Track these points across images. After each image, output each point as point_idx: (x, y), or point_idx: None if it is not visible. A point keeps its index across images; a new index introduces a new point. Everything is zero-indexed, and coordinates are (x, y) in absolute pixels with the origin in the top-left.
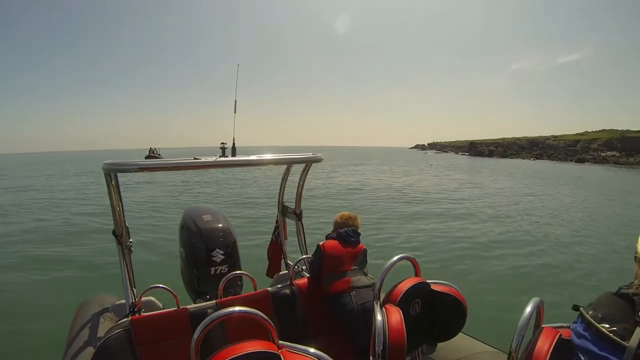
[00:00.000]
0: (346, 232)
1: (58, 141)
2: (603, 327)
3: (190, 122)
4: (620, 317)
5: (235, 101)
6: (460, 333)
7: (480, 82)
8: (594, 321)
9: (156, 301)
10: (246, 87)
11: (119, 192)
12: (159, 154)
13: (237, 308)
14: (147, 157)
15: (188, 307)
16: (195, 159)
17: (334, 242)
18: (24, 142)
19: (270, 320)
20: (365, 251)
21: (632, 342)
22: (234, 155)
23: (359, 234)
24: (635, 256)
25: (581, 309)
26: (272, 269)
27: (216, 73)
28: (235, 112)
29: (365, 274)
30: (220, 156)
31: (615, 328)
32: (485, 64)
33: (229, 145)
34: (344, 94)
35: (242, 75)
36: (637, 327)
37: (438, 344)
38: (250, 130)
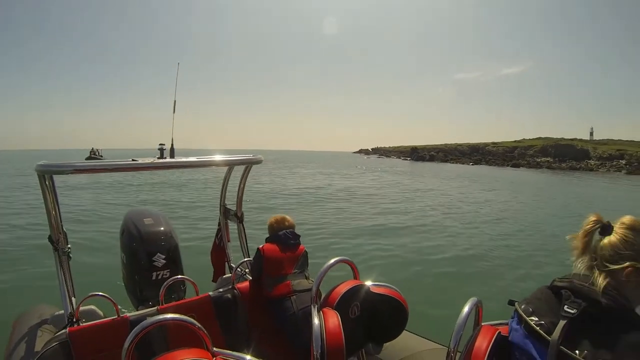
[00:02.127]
0: (285, 235)
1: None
2: (532, 320)
3: (136, 122)
4: (548, 311)
5: (175, 101)
6: (406, 332)
7: (426, 90)
8: (524, 315)
9: (97, 310)
10: (190, 87)
11: (55, 195)
12: (101, 155)
13: (168, 315)
14: (88, 159)
15: (129, 315)
16: (133, 160)
17: (273, 246)
18: None
19: (203, 328)
20: (306, 253)
21: (554, 336)
22: (172, 156)
23: (299, 236)
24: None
25: (516, 303)
26: (217, 273)
27: (164, 71)
28: (174, 112)
29: (307, 277)
30: (158, 158)
31: (543, 322)
32: (431, 72)
33: (168, 146)
34: (288, 97)
35: (185, 75)
36: (561, 321)
37: (384, 343)
38: (193, 132)
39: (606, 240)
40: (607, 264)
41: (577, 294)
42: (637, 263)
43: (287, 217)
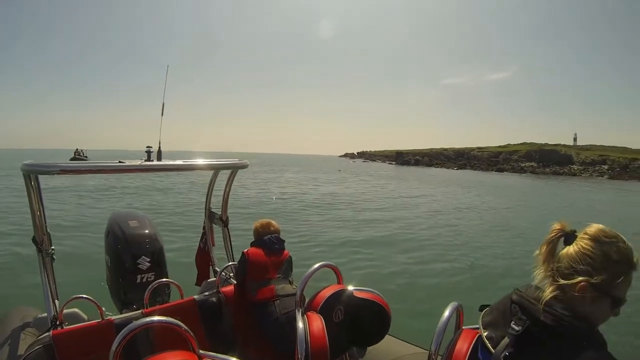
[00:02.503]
0: (270, 239)
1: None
2: (485, 332)
3: (125, 124)
4: (502, 324)
5: (163, 104)
6: (389, 336)
7: (415, 94)
8: (481, 327)
9: (80, 313)
10: (180, 88)
11: (40, 195)
12: (86, 156)
13: (155, 318)
14: (72, 159)
15: (113, 317)
16: (120, 162)
17: (258, 250)
18: None
19: (189, 330)
20: (290, 259)
21: (497, 350)
22: (159, 159)
23: (284, 241)
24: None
25: (483, 311)
26: (201, 277)
27: (150, 73)
28: (162, 114)
29: (291, 282)
30: (145, 160)
31: (493, 335)
32: (419, 78)
33: (155, 148)
34: (277, 100)
35: (177, 76)
36: (505, 337)
37: (368, 347)
38: (180, 133)
39: (564, 251)
40: (559, 279)
41: (524, 310)
42: (592, 278)
43: (273, 222)
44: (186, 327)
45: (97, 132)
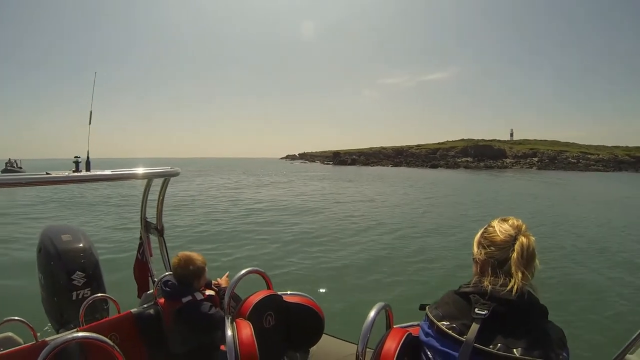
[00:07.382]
0: (163, 285)
1: None
2: (443, 324)
3: (64, 131)
4: (459, 314)
5: (91, 112)
6: (332, 337)
7: (355, 95)
8: (435, 320)
9: (14, 336)
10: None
11: None
12: (20, 167)
13: (80, 334)
14: (4, 171)
15: (48, 339)
16: (47, 173)
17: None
18: None
19: (115, 346)
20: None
21: (469, 337)
22: (88, 169)
23: (187, 284)
24: (473, 257)
25: (427, 308)
26: (141, 289)
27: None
28: (90, 123)
29: None
30: (73, 171)
31: (454, 325)
32: (357, 78)
33: (84, 158)
34: (221, 103)
35: (121, 79)
36: (473, 323)
37: (310, 349)
38: (122, 140)
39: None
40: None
41: (484, 296)
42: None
43: (187, 257)
44: (112, 343)
45: (34, 140)
